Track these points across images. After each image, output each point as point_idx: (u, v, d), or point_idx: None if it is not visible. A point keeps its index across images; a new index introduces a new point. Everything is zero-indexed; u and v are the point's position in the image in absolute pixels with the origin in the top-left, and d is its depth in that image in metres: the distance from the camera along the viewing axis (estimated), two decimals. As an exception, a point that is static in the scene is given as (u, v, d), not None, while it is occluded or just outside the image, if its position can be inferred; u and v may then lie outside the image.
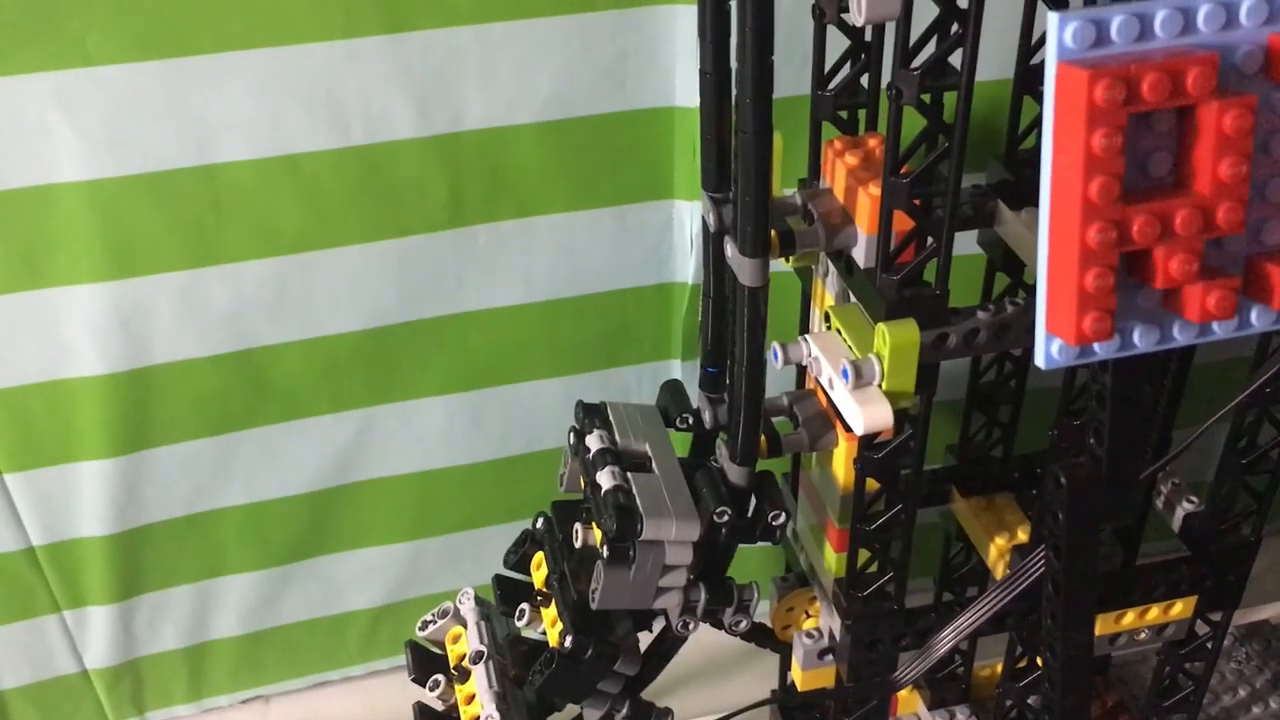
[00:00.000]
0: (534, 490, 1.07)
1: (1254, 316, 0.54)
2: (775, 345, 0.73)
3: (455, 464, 1.08)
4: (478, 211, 0.94)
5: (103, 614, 1.06)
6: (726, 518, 0.76)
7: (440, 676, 0.85)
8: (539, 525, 0.85)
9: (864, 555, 0.80)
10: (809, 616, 0.96)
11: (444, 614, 0.88)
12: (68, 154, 0.84)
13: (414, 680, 0.86)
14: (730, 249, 0.71)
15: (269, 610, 1.12)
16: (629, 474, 0.76)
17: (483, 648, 0.84)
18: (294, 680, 1.18)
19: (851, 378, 0.67)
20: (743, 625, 0.82)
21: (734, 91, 0.64)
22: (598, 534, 0.77)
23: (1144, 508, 0.86)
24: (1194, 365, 0.79)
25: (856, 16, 0.59)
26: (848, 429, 0.71)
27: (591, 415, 0.82)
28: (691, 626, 0.81)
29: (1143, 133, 0.50)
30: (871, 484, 0.77)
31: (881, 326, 0.66)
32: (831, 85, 0.76)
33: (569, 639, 0.78)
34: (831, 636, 0.86)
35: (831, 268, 0.77)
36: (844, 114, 0.77)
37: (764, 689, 1.01)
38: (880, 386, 0.67)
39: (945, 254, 0.67)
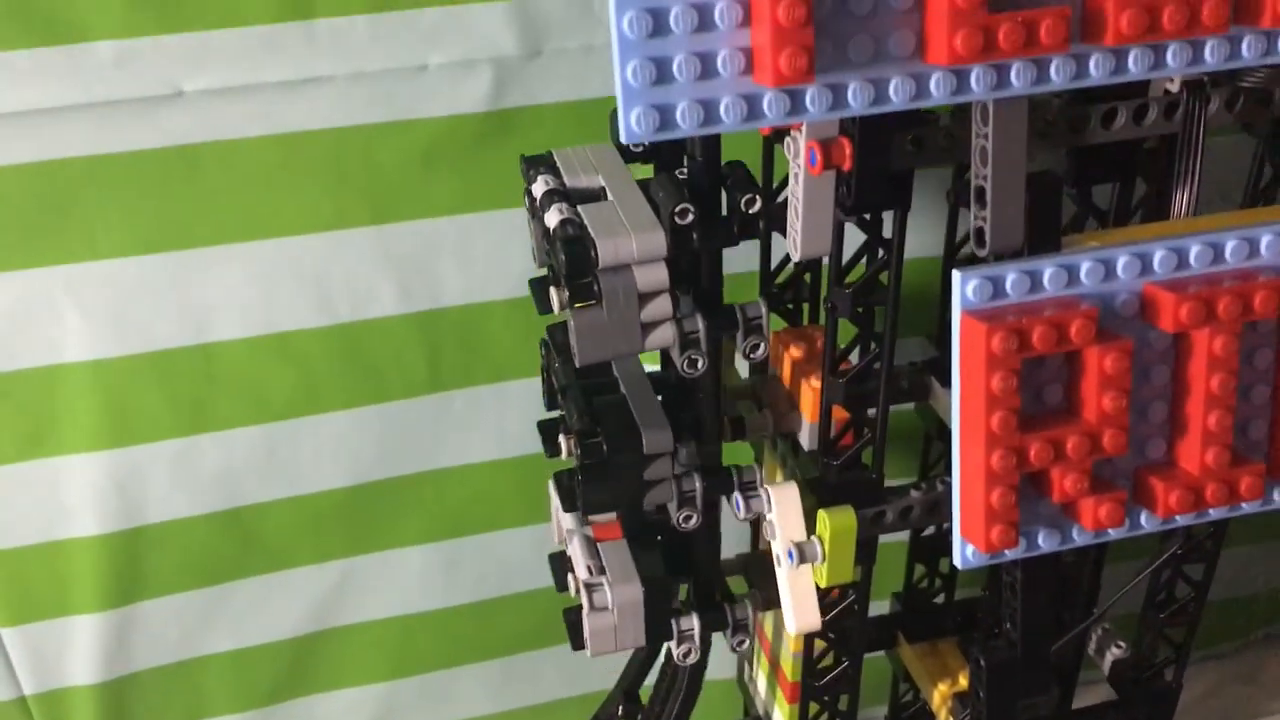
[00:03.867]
0: (507, 630, 1.13)
1: (1143, 520, 0.62)
2: (737, 495, 0.77)
3: (431, 608, 1.13)
4: (455, 378, 1.01)
5: (90, 759, 1.10)
6: (691, 217, 0.65)
7: (570, 576, 0.81)
8: (543, 354, 0.81)
9: (814, 708, 0.86)
10: (767, 758, 1.02)
11: None
12: (75, 337, 0.90)
13: (559, 592, 0.83)
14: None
15: (251, 750, 1.16)
16: (579, 207, 0.67)
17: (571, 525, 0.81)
18: (275, 817, 1.21)
19: (796, 558, 0.73)
20: (745, 645, 0.81)
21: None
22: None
23: (1076, 658, 0.92)
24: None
25: (794, 253, 0.67)
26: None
27: (536, 165, 0.73)
28: (692, 656, 0.80)
29: (1038, 369, 0.58)
30: (820, 640, 0.84)
31: (822, 513, 0.73)
32: (778, 282, 0.84)
33: (579, 446, 0.73)
34: (788, 781, 0.92)
35: (781, 443, 0.84)
36: (790, 305, 0.85)
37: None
38: (822, 565, 0.74)
39: (880, 442, 0.74)
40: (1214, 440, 0.59)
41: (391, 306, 0.96)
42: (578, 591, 0.79)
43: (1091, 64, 0.54)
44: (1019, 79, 0.53)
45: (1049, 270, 0.57)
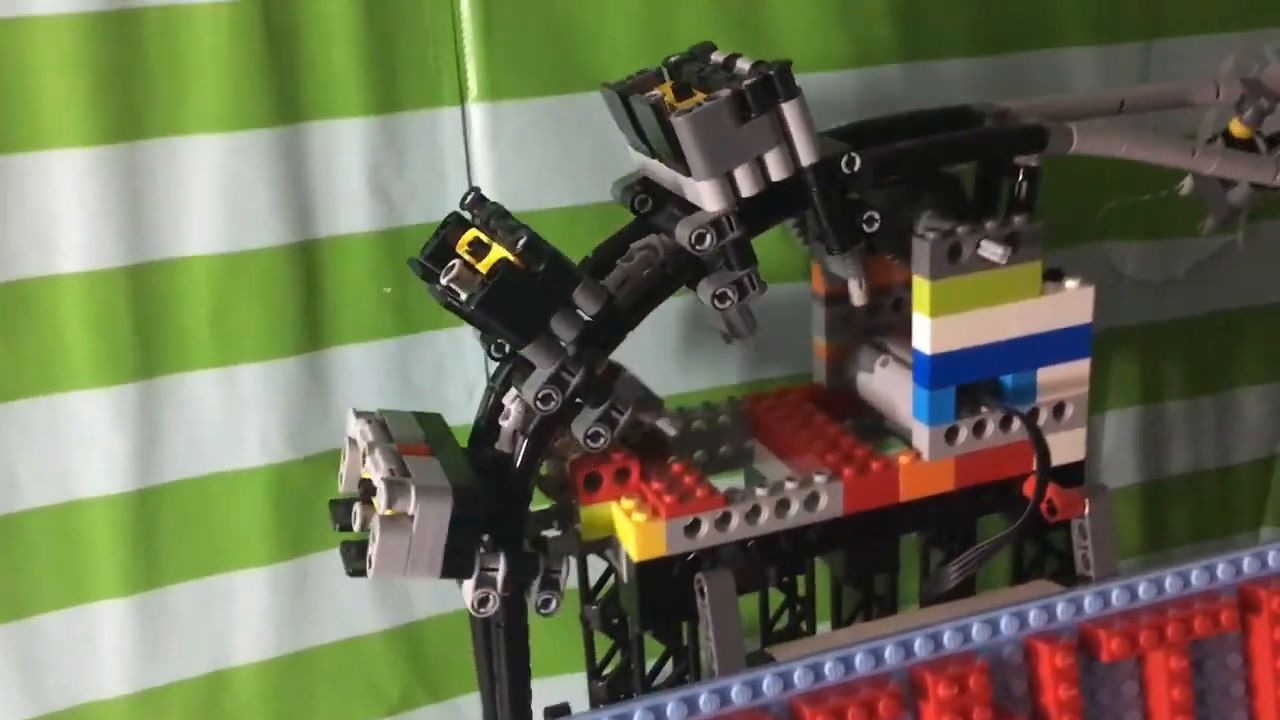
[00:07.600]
0: None
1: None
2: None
3: None
4: None
5: None
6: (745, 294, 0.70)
7: (356, 507, 0.70)
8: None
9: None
10: None
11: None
12: None
13: (339, 529, 0.71)
14: None
15: None
16: None
17: (368, 475, 0.70)
18: None
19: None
20: (553, 607, 0.70)
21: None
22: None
23: None
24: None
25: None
26: None
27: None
28: (489, 606, 0.68)
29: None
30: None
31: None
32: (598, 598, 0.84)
33: (522, 244, 0.65)
34: None
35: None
36: (615, 620, 0.83)
37: None
38: None
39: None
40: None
41: None
42: (363, 525, 0.68)
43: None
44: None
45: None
